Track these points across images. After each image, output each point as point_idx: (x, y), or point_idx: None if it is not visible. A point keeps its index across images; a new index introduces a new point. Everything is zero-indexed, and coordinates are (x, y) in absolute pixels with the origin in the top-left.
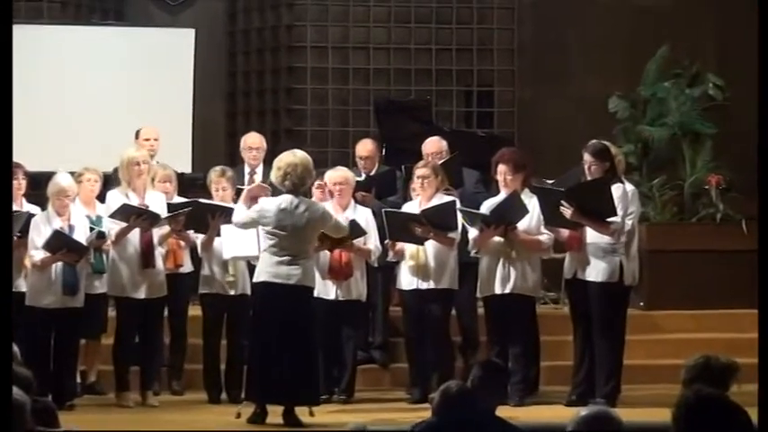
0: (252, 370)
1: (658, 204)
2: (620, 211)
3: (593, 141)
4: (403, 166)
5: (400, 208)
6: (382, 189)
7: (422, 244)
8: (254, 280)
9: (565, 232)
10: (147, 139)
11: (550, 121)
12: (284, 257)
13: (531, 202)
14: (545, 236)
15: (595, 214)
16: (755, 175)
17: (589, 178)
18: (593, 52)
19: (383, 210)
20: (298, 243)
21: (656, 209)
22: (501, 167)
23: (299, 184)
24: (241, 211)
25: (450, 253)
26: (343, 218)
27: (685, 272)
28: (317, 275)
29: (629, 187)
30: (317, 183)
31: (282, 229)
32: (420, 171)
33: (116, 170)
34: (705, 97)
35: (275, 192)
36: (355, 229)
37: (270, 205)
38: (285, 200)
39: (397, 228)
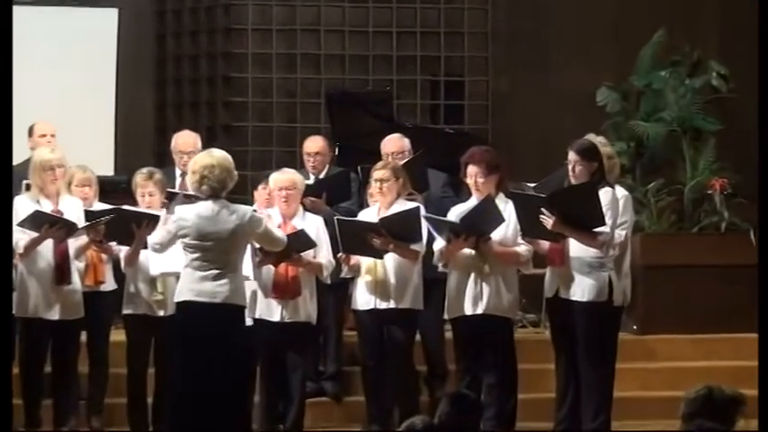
0: (176, 404)
1: (654, 212)
2: (608, 220)
3: (582, 139)
4: (359, 168)
5: (356, 216)
6: (335, 194)
7: (381, 257)
8: (176, 299)
9: (546, 244)
10: (44, 135)
11: (529, 115)
12: (209, 272)
13: (507, 208)
14: (523, 248)
15: (581, 224)
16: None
17: (573, 181)
18: (580, 37)
19: (336, 218)
20: (223, 255)
21: (651, 217)
22: (472, 169)
23: (218, 188)
24: (157, 232)
25: (414, 268)
26: (289, 227)
27: (685, 290)
28: (260, 294)
29: (621, 192)
30: (260, 187)
31: (204, 239)
32: (378, 173)
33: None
34: (708, 88)
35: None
36: (304, 241)
37: (188, 214)
38: (205, 207)
39: (351, 239)
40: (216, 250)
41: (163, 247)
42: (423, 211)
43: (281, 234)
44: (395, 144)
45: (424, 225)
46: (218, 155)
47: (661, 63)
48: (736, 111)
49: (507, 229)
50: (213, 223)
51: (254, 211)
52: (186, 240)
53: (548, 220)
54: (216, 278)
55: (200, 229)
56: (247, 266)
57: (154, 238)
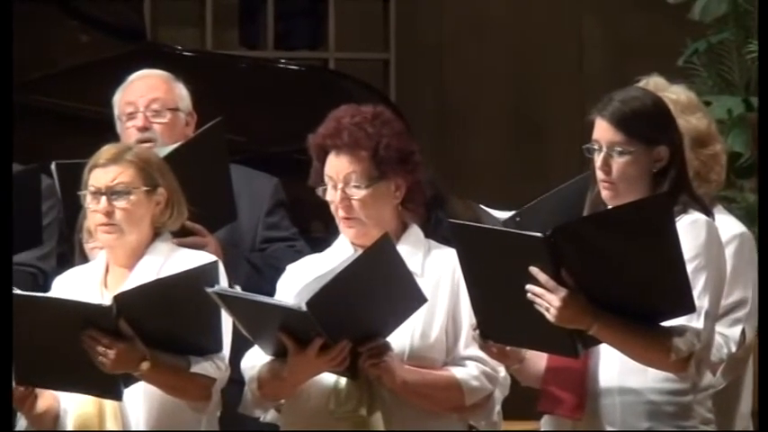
0: None
1: None
2: (701, 300)
3: (629, 88)
4: (54, 164)
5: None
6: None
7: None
8: None
9: (538, 361)
10: None
11: (485, 29)
12: None
13: (437, 269)
14: (472, 369)
15: (631, 308)
16: None
17: (609, 198)
18: None
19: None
20: None
21: None
22: (339, 164)
23: None
24: None
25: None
26: None
27: None
28: None
29: (732, 226)
30: None
31: None
32: (103, 174)
33: None
34: None
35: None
36: None
37: None
38: None
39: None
40: None
41: None
42: (222, 280)
43: None
44: (149, 92)
45: (225, 315)
46: None
47: None
48: None
49: (433, 323)
50: None
51: None
52: None
53: (548, 299)
54: None
55: None
56: None
57: None
